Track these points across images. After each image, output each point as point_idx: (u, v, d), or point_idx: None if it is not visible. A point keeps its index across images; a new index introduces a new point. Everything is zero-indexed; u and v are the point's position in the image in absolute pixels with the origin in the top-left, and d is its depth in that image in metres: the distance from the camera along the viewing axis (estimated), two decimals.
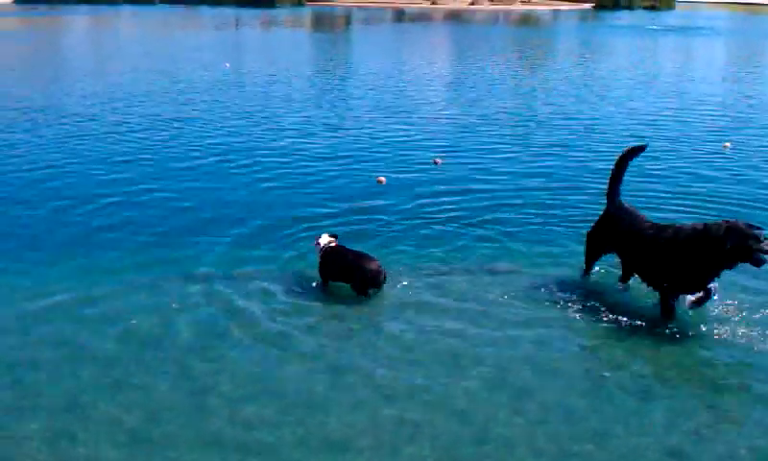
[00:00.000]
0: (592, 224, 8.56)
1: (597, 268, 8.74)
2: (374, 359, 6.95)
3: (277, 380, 6.62)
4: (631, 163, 8.45)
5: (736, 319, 7.56)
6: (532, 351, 7.11)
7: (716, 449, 5.75)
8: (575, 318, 7.75)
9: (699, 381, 6.74)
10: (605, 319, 7.69)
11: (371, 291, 8.12)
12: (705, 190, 12.10)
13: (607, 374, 6.77)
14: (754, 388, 6.59)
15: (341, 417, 6.13)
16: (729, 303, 7.80)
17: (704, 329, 7.45)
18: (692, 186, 12.31)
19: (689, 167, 13.58)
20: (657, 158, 13.59)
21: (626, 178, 8.45)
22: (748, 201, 11.51)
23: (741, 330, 7.35)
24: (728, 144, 15.04)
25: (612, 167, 8.45)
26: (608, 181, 8.42)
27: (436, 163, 13.43)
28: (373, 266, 8.13)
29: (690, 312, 7.62)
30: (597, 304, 7.97)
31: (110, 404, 6.25)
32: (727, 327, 7.41)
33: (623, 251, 8.13)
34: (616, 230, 8.12)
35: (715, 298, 7.59)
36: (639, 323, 7.59)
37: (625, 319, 7.64)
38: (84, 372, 6.72)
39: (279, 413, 6.16)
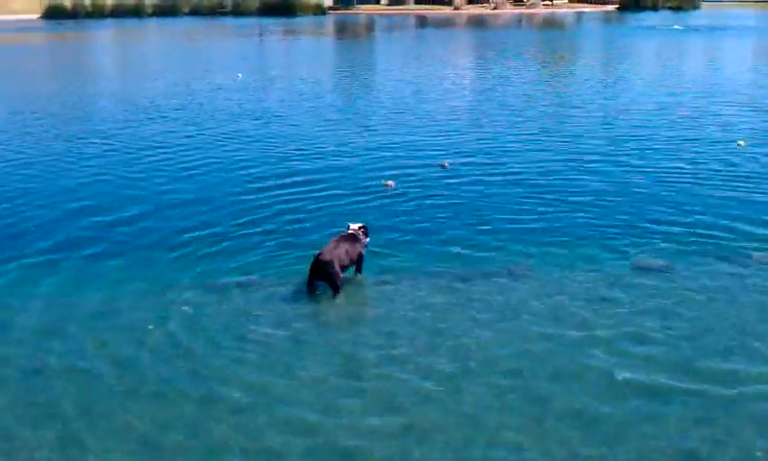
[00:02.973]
0: None
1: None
2: (387, 363, 6.92)
3: (287, 388, 6.60)
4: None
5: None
6: (545, 354, 7.04)
7: (730, 453, 5.66)
8: (589, 320, 7.64)
9: (714, 383, 6.58)
10: (624, 321, 7.59)
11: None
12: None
13: (619, 377, 6.67)
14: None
15: (351, 423, 6.10)
16: None
17: (722, 335, 7.35)
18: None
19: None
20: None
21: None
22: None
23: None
24: (742, 142, 14.79)
25: None
26: None
27: (444, 167, 13.40)
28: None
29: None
30: (607, 305, 7.91)
31: (122, 412, 6.29)
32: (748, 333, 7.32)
33: None
34: None
35: None
36: (651, 325, 7.50)
37: (636, 323, 7.56)
38: (96, 380, 6.78)
39: (289, 420, 6.15)
